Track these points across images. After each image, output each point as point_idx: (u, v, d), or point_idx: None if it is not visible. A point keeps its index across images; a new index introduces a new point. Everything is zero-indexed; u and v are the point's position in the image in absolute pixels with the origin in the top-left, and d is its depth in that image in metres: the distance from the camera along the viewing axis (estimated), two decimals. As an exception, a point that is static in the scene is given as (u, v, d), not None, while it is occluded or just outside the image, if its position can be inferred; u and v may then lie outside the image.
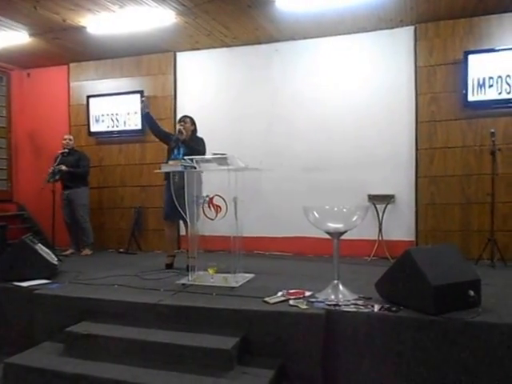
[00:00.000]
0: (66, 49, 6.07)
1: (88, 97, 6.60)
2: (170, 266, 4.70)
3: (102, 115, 6.58)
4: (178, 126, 4.75)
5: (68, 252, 5.89)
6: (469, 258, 4.81)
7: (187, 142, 4.57)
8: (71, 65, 6.76)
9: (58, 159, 5.82)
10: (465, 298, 2.89)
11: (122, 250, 6.18)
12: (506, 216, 4.99)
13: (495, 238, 4.65)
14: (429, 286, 2.82)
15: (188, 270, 4.02)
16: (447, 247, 3.30)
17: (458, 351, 2.75)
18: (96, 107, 6.59)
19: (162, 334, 3.07)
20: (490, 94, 4.96)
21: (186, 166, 3.98)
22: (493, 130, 4.60)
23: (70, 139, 6.05)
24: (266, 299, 3.27)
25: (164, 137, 4.93)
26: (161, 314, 3.27)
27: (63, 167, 5.74)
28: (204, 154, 4.47)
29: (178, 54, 6.34)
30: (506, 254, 4.70)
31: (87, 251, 5.89)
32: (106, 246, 6.39)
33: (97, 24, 5.16)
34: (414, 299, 2.95)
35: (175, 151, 4.60)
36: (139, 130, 6.40)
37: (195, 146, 4.52)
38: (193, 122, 4.76)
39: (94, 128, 6.62)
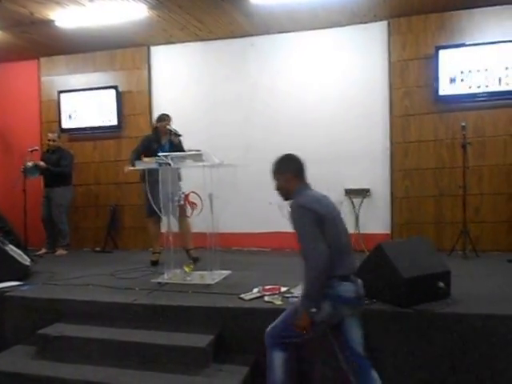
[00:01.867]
0: (36, 43, 5.91)
1: (59, 92, 6.45)
2: (155, 263, 4.64)
3: (75, 111, 6.43)
4: (160, 125, 4.70)
5: (42, 252, 5.76)
6: (442, 249, 4.90)
7: (172, 140, 4.56)
8: (42, 59, 6.58)
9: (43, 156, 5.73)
10: (435, 290, 2.96)
11: (97, 248, 6.09)
12: (478, 208, 5.11)
13: (467, 230, 4.75)
14: (400, 279, 2.87)
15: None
16: (418, 240, 3.36)
17: (427, 342, 2.81)
18: (68, 103, 6.44)
19: (137, 334, 3.05)
20: (461, 89, 5.04)
21: (160, 163, 3.93)
22: (463, 124, 4.68)
23: (53, 140, 5.85)
24: (242, 296, 3.27)
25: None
26: (136, 314, 3.25)
27: (41, 163, 5.61)
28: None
29: (153, 48, 6.24)
30: (477, 245, 4.81)
31: (62, 251, 5.77)
32: (81, 245, 6.27)
33: (66, 18, 5.04)
34: (386, 292, 3.00)
35: (159, 151, 4.44)
36: (114, 125, 6.29)
37: (180, 145, 4.51)
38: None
39: (66, 124, 6.46)
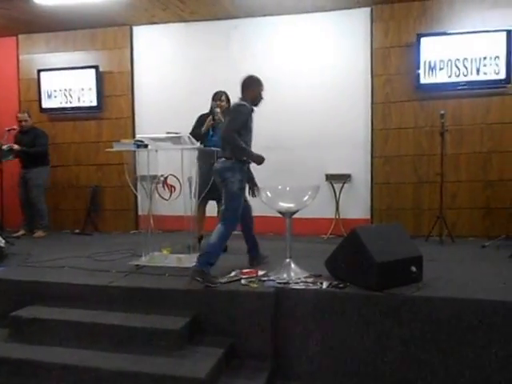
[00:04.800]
0: (13, 19, 5.75)
1: (39, 71, 6.31)
2: None
3: (55, 91, 6.33)
4: (212, 104, 4.37)
5: (19, 233, 5.69)
6: (420, 235, 5.00)
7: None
8: (20, 36, 6.43)
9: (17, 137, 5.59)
10: (407, 274, 3.02)
11: (77, 230, 6.03)
12: (454, 194, 5.20)
13: (444, 216, 4.83)
14: (373, 263, 2.92)
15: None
16: (392, 226, 3.42)
17: (398, 324, 2.88)
18: (48, 82, 6.32)
19: (112, 316, 3.05)
20: (441, 77, 5.08)
21: (138, 145, 3.89)
22: (443, 112, 4.73)
23: (25, 120, 5.73)
24: (219, 279, 3.29)
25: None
26: (111, 296, 3.24)
27: (15, 146, 5.50)
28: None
29: (135, 27, 6.15)
30: (453, 231, 4.91)
31: (40, 233, 5.71)
32: (60, 227, 6.22)
33: (44, -6, 4.92)
34: (359, 276, 3.04)
35: (210, 133, 4.32)
36: (94, 106, 6.21)
37: None
38: (228, 99, 4.31)
39: (46, 104, 6.36)
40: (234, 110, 3.55)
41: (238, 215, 3.48)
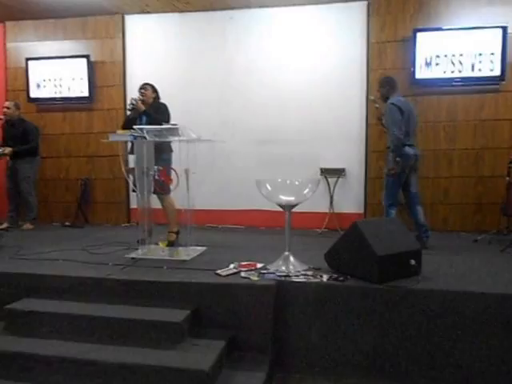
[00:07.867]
0: (0, 5, 5.58)
1: (27, 59, 6.16)
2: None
3: (44, 80, 6.19)
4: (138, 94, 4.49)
5: (4, 226, 5.53)
6: (412, 229, 5.03)
7: (149, 110, 4.30)
8: (7, 23, 6.26)
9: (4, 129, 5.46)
10: (407, 267, 3.04)
11: (67, 223, 5.94)
12: (447, 190, 5.25)
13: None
14: (374, 256, 2.93)
15: (138, 243, 3.94)
16: (392, 219, 3.44)
17: (398, 317, 2.90)
18: (37, 71, 6.18)
19: (111, 309, 3.00)
20: (436, 73, 5.09)
21: (135, 136, 3.83)
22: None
23: (7, 107, 5.58)
24: (218, 272, 3.27)
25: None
26: (109, 289, 3.19)
27: (7, 150, 5.39)
28: (167, 120, 4.22)
29: (127, 16, 6.04)
30: (445, 225, 5.01)
31: (28, 225, 5.58)
32: (50, 219, 6.13)
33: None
34: (360, 269, 3.06)
35: (137, 121, 4.36)
36: (85, 97, 6.10)
37: (157, 114, 4.24)
38: (154, 90, 4.53)
39: (34, 94, 6.22)
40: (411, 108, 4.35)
41: None
